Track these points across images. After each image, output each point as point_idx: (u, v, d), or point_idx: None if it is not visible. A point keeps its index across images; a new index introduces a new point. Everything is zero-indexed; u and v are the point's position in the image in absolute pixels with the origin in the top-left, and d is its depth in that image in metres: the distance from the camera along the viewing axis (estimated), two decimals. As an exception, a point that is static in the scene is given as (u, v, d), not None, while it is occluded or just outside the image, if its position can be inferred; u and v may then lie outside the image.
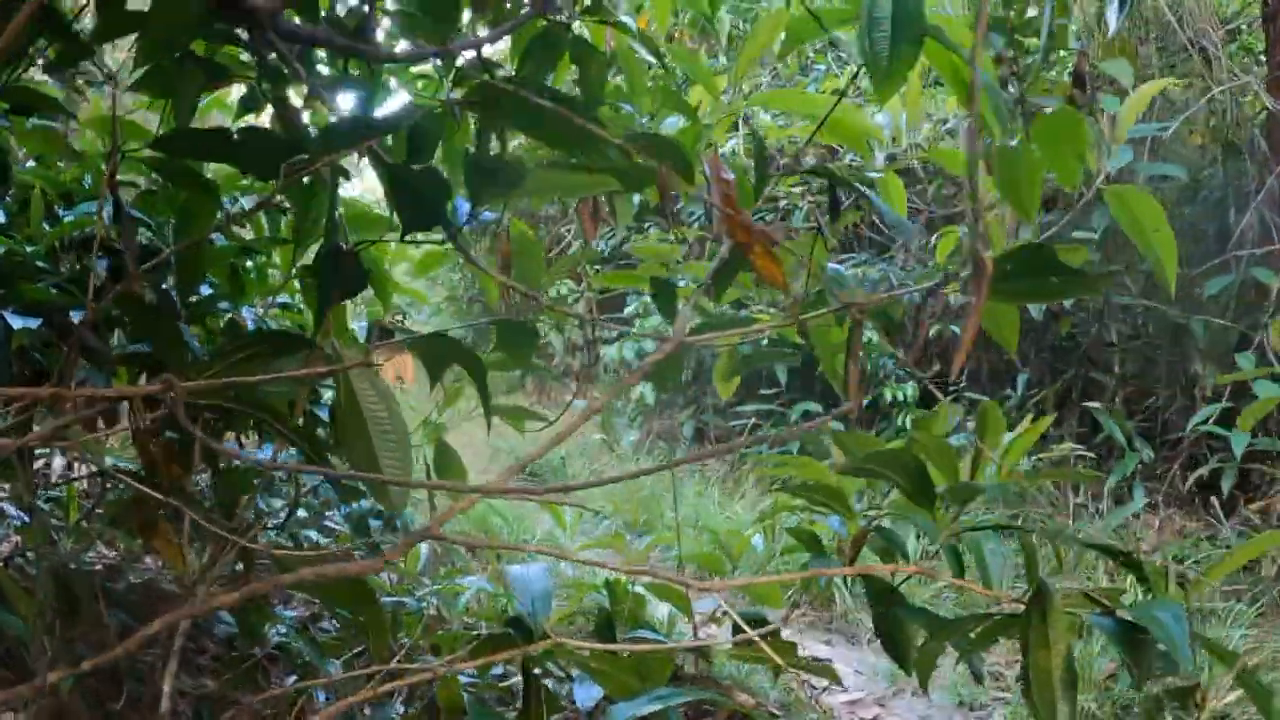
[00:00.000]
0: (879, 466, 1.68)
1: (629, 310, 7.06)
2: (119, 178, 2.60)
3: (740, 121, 3.95)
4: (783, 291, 1.50)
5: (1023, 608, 1.46)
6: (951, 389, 5.45)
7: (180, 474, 2.07)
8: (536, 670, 2.04)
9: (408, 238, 1.49)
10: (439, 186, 1.32)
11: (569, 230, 8.55)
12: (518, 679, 2.52)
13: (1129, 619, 1.46)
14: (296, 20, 1.52)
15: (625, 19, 2.03)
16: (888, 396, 5.68)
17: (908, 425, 4.17)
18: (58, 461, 3.26)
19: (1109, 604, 1.50)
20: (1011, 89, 4.00)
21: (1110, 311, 5.42)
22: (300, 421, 1.95)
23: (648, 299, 7.49)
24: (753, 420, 6.59)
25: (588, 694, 2.20)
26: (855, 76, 1.89)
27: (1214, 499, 4.75)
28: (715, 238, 1.73)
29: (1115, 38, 5.36)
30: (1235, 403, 4.76)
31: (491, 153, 1.58)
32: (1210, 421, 4.74)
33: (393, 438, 1.54)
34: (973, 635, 1.62)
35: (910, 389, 5.65)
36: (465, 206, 1.47)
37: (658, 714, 1.89)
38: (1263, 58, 5.57)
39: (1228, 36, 5.98)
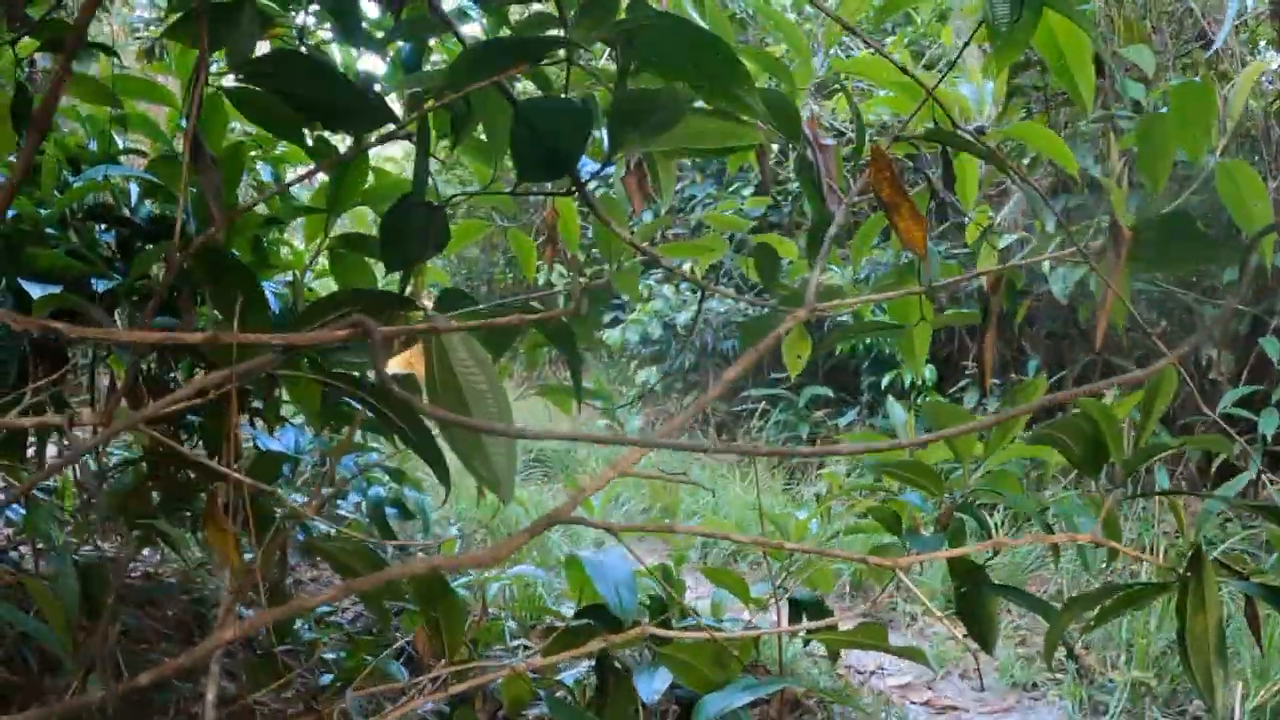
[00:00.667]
0: (1059, 434, 1.59)
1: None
2: (128, 148, 2.47)
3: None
4: (921, 257, 1.40)
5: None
6: (967, 374, 5.38)
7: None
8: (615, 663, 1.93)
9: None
10: (579, 123, 1.18)
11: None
12: (576, 671, 2.40)
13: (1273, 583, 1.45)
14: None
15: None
16: (906, 379, 5.59)
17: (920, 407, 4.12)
18: (50, 450, 3.10)
19: (1241, 570, 1.49)
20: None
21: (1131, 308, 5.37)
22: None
23: (653, 282, 7.40)
24: (761, 405, 6.51)
25: (651, 685, 2.08)
26: (967, 44, 1.77)
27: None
28: (826, 203, 1.62)
29: (1133, 25, 5.30)
30: (1257, 386, 4.73)
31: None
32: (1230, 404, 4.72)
33: (494, 410, 1.39)
34: (1107, 605, 1.53)
35: (930, 372, 5.56)
36: (587, 164, 1.34)
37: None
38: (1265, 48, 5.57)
39: (1236, 29, 5.97)
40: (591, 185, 1.90)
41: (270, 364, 1.16)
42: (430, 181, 1.53)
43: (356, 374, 1.61)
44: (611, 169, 1.52)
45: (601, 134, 1.35)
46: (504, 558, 1.21)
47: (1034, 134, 2.12)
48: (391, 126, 1.36)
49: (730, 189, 6.86)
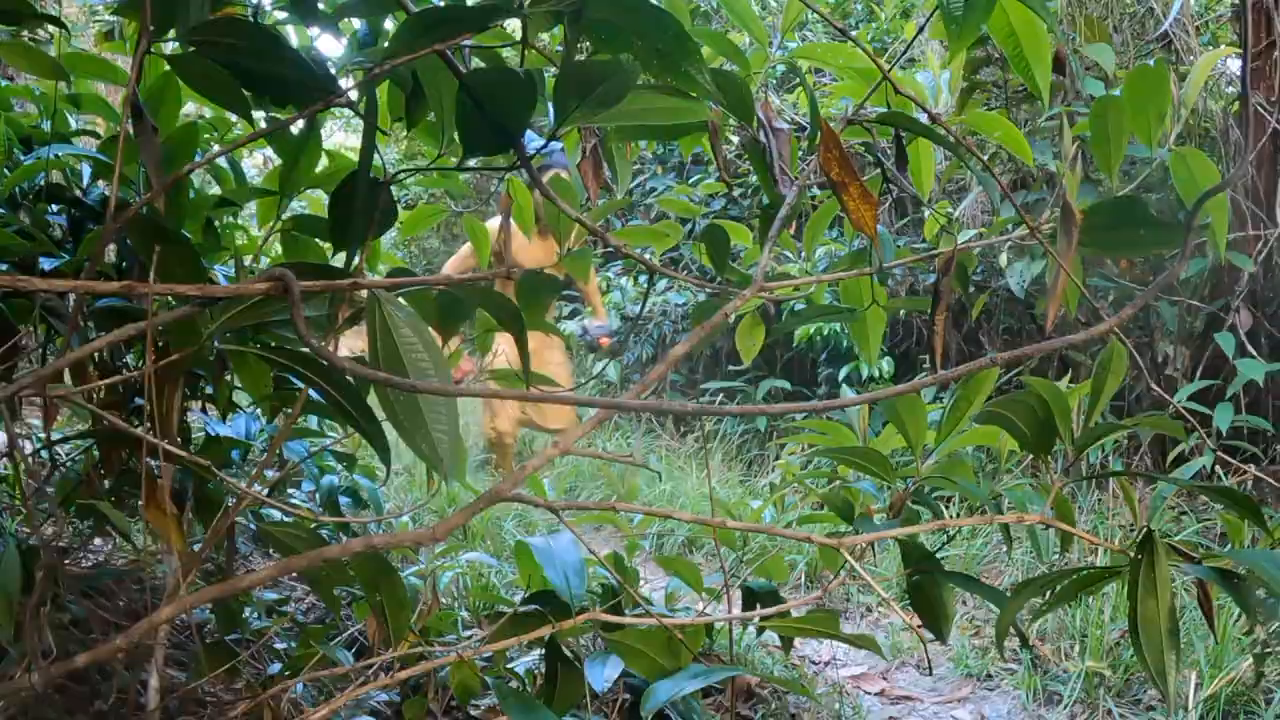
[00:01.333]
0: (1005, 412, 1.59)
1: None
2: (82, 129, 2.42)
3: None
4: (870, 238, 1.38)
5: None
6: (924, 368, 5.39)
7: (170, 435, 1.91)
8: (565, 651, 1.90)
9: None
10: (524, 94, 1.16)
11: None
12: (529, 660, 2.38)
13: (1228, 568, 1.42)
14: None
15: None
16: (863, 371, 5.61)
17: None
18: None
19: (1194, 554, 1.48)
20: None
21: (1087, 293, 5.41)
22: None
23: (610, 274, 7.38)
24: (720, 396, 6.51)
25: (602, 673, 2.06)
26: (921, 30, 1.76)
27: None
28: (778, 185, 1.60)
29: (1092, 23, 5.34)
30: (1210, 380, 4.78)
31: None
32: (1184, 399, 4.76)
33: (437, 383, 1.37)
34: (1058, 590, 1.53)
35: (887, 364, 5.59)
36: (532, 139, 1.32)
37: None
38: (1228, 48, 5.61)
39: (1198, 30, 6.04)
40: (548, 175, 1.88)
41: (191, 314, 1.14)
42: (379, 160, 1.50)
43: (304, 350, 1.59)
44: (559, 144, 1.49)
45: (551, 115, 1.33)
46: (443, 536, 1.19)
47: (990, 123, 2.11)
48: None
49: (691, 181, 6.85)
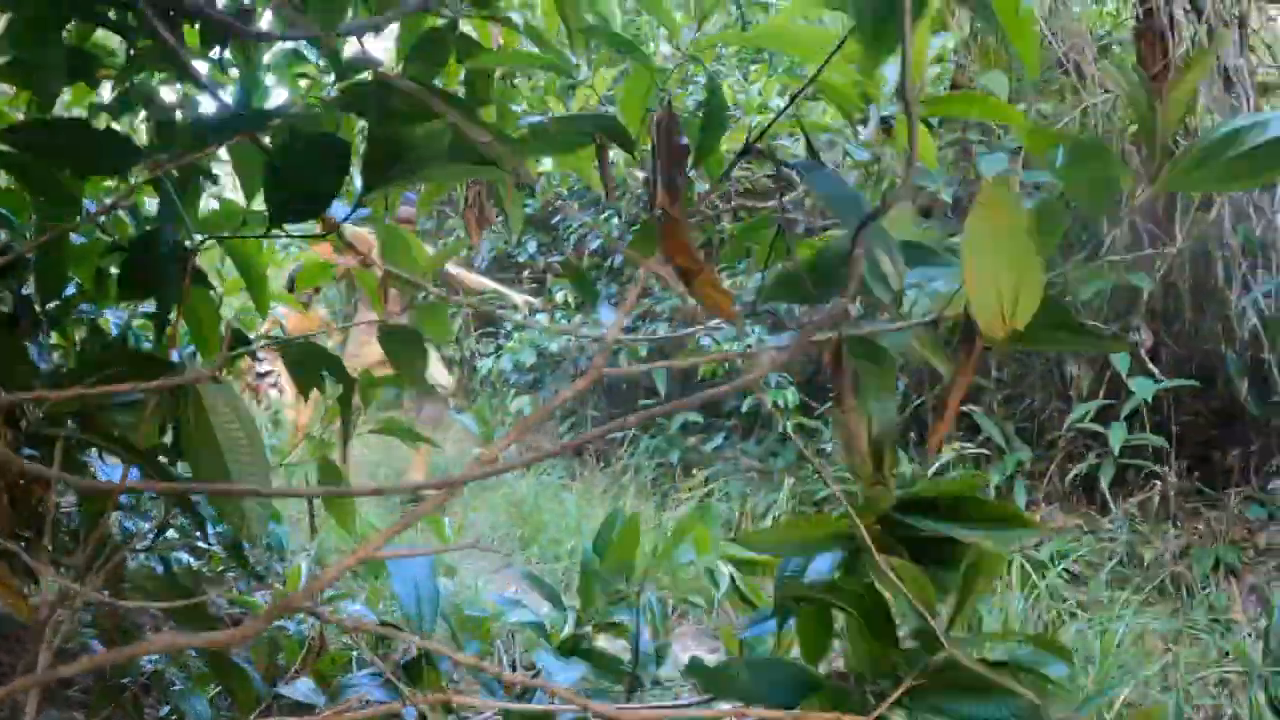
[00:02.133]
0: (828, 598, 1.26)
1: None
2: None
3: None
4: (730, 320, 1.32)
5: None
6: (830, 397, 5.43)
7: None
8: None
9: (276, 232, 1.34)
10: (331, 162, 1.17)
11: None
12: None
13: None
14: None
15: (513, 15, 1.89)
16: (768, 402, 5.64)
17: (789, 429, 4.12)
18: None
19: None
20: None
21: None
22: (155, 442, 1.78)
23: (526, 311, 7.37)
24: (633, 432, 6.54)
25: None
26: (831, 56, 1.61)
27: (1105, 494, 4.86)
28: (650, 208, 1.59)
29: (991, 52, 5.43)
30: (1111, 400, 4.87)
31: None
32: (1087, 419, 4.85)
33: (249, 457, 1.38)
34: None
35: (791, 394, 5.62)
36: (341, 208, 1.33)
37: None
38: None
39: (1101, 52, 6.14)
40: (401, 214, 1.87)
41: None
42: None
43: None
44: (367, 211, 1.50)
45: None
46: (239, 642, 1.16)
47: (963, 104, 1.91)
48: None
49: (604, 214, 6.88)
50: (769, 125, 1.44)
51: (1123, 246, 5.18)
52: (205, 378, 1.33)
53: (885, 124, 1.51)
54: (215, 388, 1.37)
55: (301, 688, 2.07)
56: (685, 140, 1.19)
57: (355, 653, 2.86)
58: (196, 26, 1.52)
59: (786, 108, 1.32)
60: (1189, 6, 5.32)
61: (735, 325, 1.33)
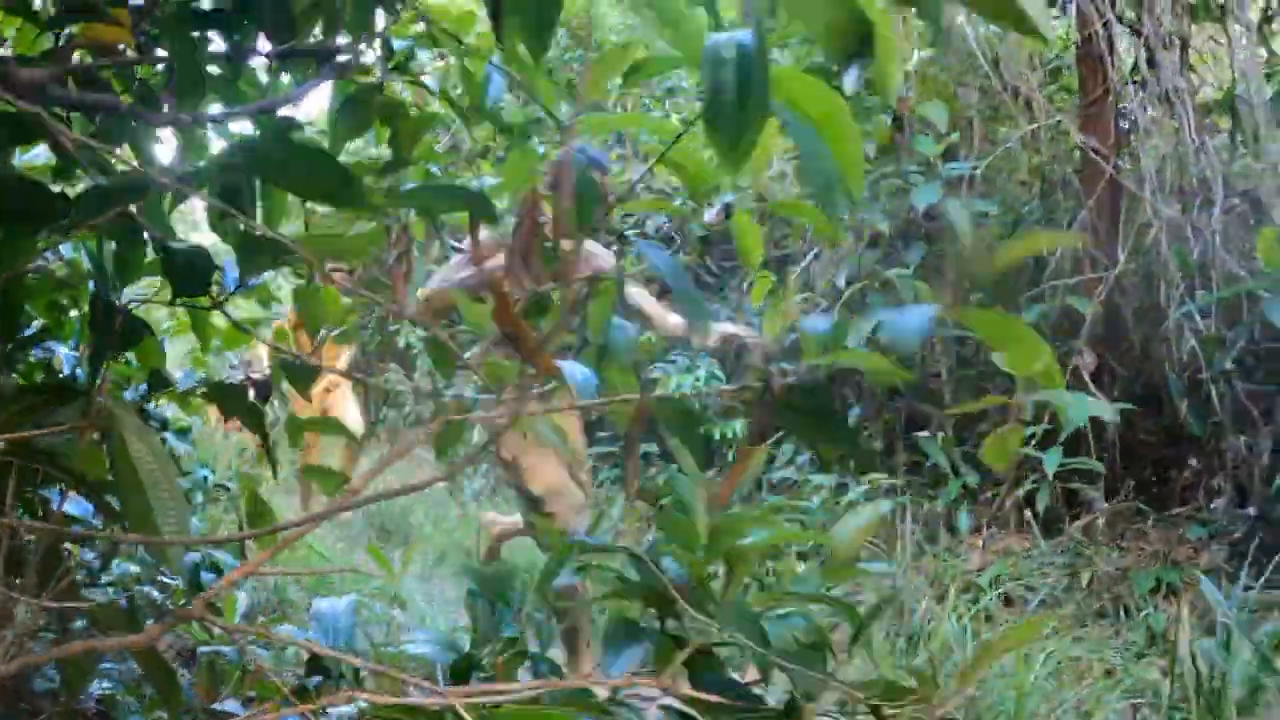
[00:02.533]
0: None
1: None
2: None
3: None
4: (560, 382, 1.40)
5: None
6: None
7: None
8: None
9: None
10: (206, 259, 1.33)
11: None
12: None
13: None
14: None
15: (428, 80, 2.00)
16: (716, 434, 5.82)
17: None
18: None
19: None
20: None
21: (943, 347, 5.58)
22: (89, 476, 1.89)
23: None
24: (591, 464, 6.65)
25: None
26: (682, 136, 1.72)
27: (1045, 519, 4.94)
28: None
29: (934, 81, 5.57)
30: (1054, 425, 4.92)
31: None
32: (1032, 444, 4.90)
33: (167, 495, 1.50)
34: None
35: (739, 425, 5.74)
36: (235, 272, 1.47)
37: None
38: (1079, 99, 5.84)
39: (1049, 78, 6.24)
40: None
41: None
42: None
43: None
44: (255, 282, 1.63)
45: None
46: (143, 643, 1.28)
47: (793, 209, 2.01)
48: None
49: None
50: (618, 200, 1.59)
51: (1065, 271, 5.28)
52: (109, 412, 1.45)
53: (727, 210, 1.64)
54: (135, 429, 1.49)
55: (230, 706, 2.18)
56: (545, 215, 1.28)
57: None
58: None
59: (630, 190, 1.49)
60: (1130, 29, 5.41)
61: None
